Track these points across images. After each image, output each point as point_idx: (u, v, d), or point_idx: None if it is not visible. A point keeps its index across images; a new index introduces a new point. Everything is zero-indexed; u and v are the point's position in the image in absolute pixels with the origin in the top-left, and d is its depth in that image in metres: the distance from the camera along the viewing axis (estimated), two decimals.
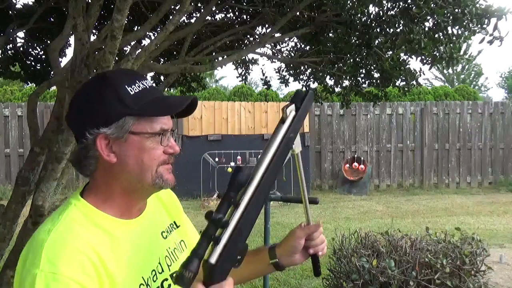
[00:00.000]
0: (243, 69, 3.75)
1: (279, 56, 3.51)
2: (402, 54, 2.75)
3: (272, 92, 11.56)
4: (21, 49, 3.27)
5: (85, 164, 0.90)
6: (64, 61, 3.38)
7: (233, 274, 0.80)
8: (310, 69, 3.44)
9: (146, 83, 0.91)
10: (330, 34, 2.98)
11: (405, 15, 2.37)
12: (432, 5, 2.19)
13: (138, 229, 0.94)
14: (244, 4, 3.13)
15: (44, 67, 3.35)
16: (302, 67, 3.48)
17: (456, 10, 2.20)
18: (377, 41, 2.74)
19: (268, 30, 3.13)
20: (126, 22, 1.67)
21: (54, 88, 5.77)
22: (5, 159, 8.89)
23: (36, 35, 3.27)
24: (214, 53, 3.14)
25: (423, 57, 2.49)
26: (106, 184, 0.91)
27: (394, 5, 2.53)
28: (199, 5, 3.14)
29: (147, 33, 3.12)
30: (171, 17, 2.14)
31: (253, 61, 3.73)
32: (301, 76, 3.56)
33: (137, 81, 0.90)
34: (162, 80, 3.64)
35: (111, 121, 0.87)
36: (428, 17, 2.31)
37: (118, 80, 0.89)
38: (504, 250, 4.61)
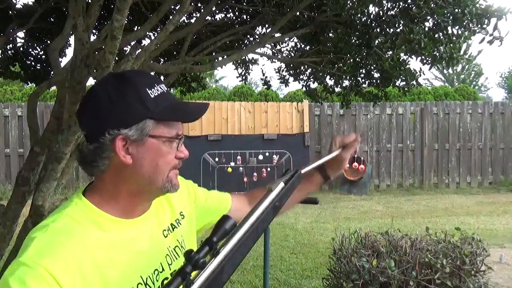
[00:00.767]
0: (243, 69, 3.75)
1: (279, 56, 3.51)
2: (402, 54, 2.74)
3: (272, 92, 11.57)
4: (21, 49, 3.27)
5: (97, 163, 0.89)
6: (64, 61, 3.39)
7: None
8: (310, 69, 3.44)
9: (163, 87, 0.92)
10: (330, 34, 2.98)
11: (405, 15, 2.37)
12: (432, 5, 2.19)
13: (139, 228, 0.94)
14: (244, 4, 3.13)
15: (44, 67, 3.35)
16: (302, 67, 3.48)
17: (456, 10, 2.20)
18: (377, 41, 2.74)
19: (268, 30, 3.13)
20: (126, 22, 1.67)
21: (54, 88, 5.77)
22: (5, 159, 8.89)
23: (36, 35, 3.27)
24: (214, 53, 3.14)
25: (423, 57, 2.49)
26: (114, 185, 0.91)
27: (394, 5, 2.53)
28: (199, 5, 3.14)
29: (147, 33, 3.12)
30: (171, 17, 2.14)
31: (253, 61, 3.73)
32: (301, 76, 3.56)
33: (155, 85, 0.90)
34: (162, 80, 3.64)
35: (132, 122, 0.87)
36: (428, 17, 2.31)
37: (139, 82, 0.89)
38: (504, 250, 4.61)
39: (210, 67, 2.78)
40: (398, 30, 2.56)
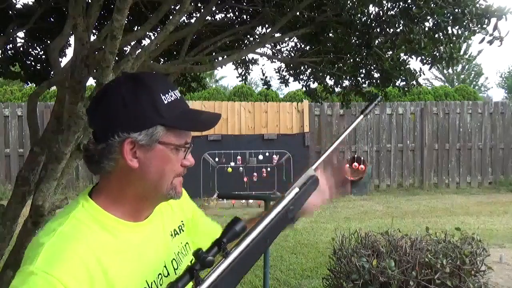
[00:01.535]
0: (243, 69, 3.75)
1: (279, 56, 3.51)
2: (402, 54, 2.74)
3: (272, 92, 11.56)
4: (21, 49, 3.26)
5: (103, 164, 0.88)
6: (64, 61, 3.38)
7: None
8: (310, 69, 3.44)
9: (176, 93, 0.91)
10: (330, 34, 2.97)
11: (405, 15, 2.37)
12: (432, 5, 2.19)
13: (145, 232, 0.94)
14: (244, 4, 3.13)
15: (44, 67, 3.35)
16: (302, 67, 3.48)
17: (456, 10, 2.20)
18: (377, 41, 2.74)
19: (268, 30, 3.13)
20: (126, 22, 1.67)
21: (54, 88, 5.76)
22: (5, 159, 8.89)
23: (36, 35, 3.27)
24: (214, 53, 3.14)
25: (423, 57, 2.49)
26: (120, 187, 0.90)
27: (394, 5, 2.53)
28: (199, 5, 3.14)
29: (147, 33, 3.12)
30: (171, 17, 2.14)
31: (253, 61, 3.73)
32: (301, 76, 3.56)
33: (170, 90, 0.90)
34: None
35: (143, 127, 0.86)
36: (428, 17, 2.31)
37: (154, 87, 0.88)
38: (504, 250, 4.61)
39: (210, 67, 2.78)
40: (398, 30, 2.56)
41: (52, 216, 0.95)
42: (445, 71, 23.13)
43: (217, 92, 12.32)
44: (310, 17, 2.89)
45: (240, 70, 3.76)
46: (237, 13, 3.34)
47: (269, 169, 8.41)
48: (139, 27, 2.85)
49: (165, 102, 0.88)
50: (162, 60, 3.63)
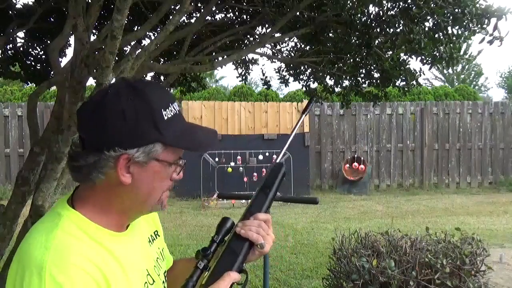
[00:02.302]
0: (243, 69, 3.75)
1: (279, 56, 3.51)
2: (402, 54, 2.74)
3: (272, 92, 11.56)
4: (21, 49, 3.26)
5: (92, 176, 0.84)
6: (64, 61, 3.38)
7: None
8: (310, 69, 3.43)
9: (175, 106, 0.88)
10: (330, 34, 2.97)
11: (405, 15, 2.37)
12: (432, 5, 2.19)
13: (128, 242, 0.92)
14: (244, 4, 3.13)
15: (44, 67, 3.35)
16: (302, 67, 3.48)
17: (456, 10, 2.20)
18: (377, 41, 2.74)
19: (268, 30, 3.13)
20: (126, 22, 1.67)
21: (54, 88, 5.77)
22: (5, 159, 8.89)
23: (36, 35, 3.27)
24: (214, 53, 3.14)
25: (423, 57, 2.49)
26: (107, 199, 0.87)
27: (394, 5, 2.53)
28: (199, 5, 3.14)
29: (147, 33, 3.12)
30: (171, 17, 2.14)
31: (253, 61, 3.72)
32: (301, 76, 3.56)
33: (170, 104, 0.86)
34: (162, 80, 3.64)
35: (141, 144, 0.83)
36: (428, 17, 2.31)
37: (155, 101, 0.84)
38: (504, 250, 4.61)
39: (210, 67, 2.78)
40: (398, 30, 2.56)
41: (27, 232, 0.88)
42: (445, 71, 23.12)
43: (217, 92, 12.32)
44: (310, 17, 2.89)
45: (240, 70, 3.76)
46: (237, 13, 3.34)
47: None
48: (139, 27, 2.85)
49: (165, 118, 0.84)
50: (162, 60, 3.63)
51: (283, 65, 3.56)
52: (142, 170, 0.85)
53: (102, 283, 0.80)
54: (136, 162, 0.83)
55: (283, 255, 4.69)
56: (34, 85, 3.58)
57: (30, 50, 3.32)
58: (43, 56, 3.34)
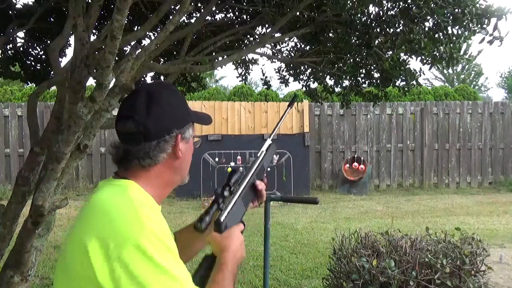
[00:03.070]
0: (243, 69, 3.75)
1: (279, 56, 3.51)
2: (402, 54, 2.74)
3: (272, 92, 11.56)
4: (21, 49, 3.26)
5: (156, 157, 1.07)
6: (64, 61, 3.38)
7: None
8: (310, 69, 3.44)
9: None
10: (330, 34, 2.98)
11: (405, 15, 2.37)
12: (432, 5, 2.19)
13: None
14: (244, 4, 3.13)
15: (44, 67, 3.35)
16: (302, 67, 3.48)
17: (456, 10, 2.20)
18: (377, 41, 2.74)
19: (268, 30, 3.13)
20: (126, 22, 1.67)
21: (54, 88, 5.77)
22: (5, 159, 8.89)
23: (36, 35, 3.27)
24: (214, 53, 3.14)
25: (423, 57, 2.49)
26: (158, 176, 1.09)
27: (394, 5, 2.53)
28: (199, 5, 3.14)
29: (147, 33, 3.12)
30: (171, 17, 2.14)
31: (253, 61, 3.73)
32: (301, 76, 3.56)
33: None
34: (162, 80, 3.64)
35: (184, 124, 1.11)
36: (428, 17, 2.31)
37: (181, 93, 1.11)
38: (504, 250, 4.61)
39: (210, 67, 2.78)
40: (398, 30, 2.56)
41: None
42: (445, 71, 23.13)
43: (217, 92, 12.32)
44: (310, 17, 2.89)
45: (240, 70, 3.76)
46: (237, 13, 3.34)
47: (269, 169, 8.40)
48: (139, 27, 2.85)
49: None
50: (162, 60, 3.63)
51: (283, 65, 3.56)
52: (185, 145, 1.12)
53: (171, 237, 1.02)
54: (183, 139, 1.11)
55: (283, 255, 4.69)
56: (34, 85, 3.58)
57: (30, 50, 3.32)
58: (43, 56, 3.34)
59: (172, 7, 2.81)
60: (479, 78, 24.29)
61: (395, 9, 2.52)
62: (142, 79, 3.68)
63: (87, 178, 8.99)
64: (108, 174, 8.25)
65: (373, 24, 2.66)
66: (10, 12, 3.02)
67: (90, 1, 2.15)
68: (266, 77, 3.72)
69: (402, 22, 2.47)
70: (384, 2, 2.50)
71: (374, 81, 3.10)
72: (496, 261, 4.09)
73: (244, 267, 4.24)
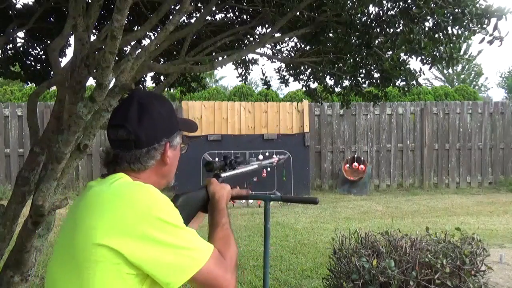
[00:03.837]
0: (243, 69, 3.75)
1: (279, 56, 3.51)
2: (402, 54, 2.74)
3: (272, 92, 11.56)
4: (21, 49, 3.26)
5: (146, 162, 1.15)
6: (64, 61, 3.38)
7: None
8: (310, 69, 3.44)
9: None
10: (330, 34, 2.97)
11: (405, 15, 2.37)
12: (432, 5, 2.19)
13: None
14: (244, 4, 3.13)
15: (44, 67, 3.35)
16: (302, 67, 3.48)
17: (456, 10, 2.20)
18: (377, 41, 2.74)
19: (268, 30, 3.13)
20: (126, 22, 1.67)
21: (54, 88, 5.77)
22: (5, 159, 8.89)
23: (36, 35, 3.27)
24: (214, 53, 3.14)
25: (423, 57, 2.49)
26: (147, 180, 1.16)
27: (394, 5, 2.53)
28: (199, 5, 3.14)
29: (147, 33, 3.12)
30: (171, 17, 2.14)
31: (253, 61, 3.72)
32: (301, 76, 3.56)
33: None
34: (162, 80, 3.64)
35: (173, 133, 1.21)
36: (428, 17, 2.31)
37: (169, 101, 1.25)
38: (504, 250, 4.61)
39: (210, 67, 2.78)
40: (398, 30, 2.56)
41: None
42: (445, 71, 23.12)
43: (217, 92, 12.32)
44: (310, 17, 2.89)
45: (240, 70, 3.76)
46: (237, 13, 3.34)
47: (269, 169, 8.40)
48: (139, 27, 2.85)
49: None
50: (162, 60, 3.63)
51: (283, 65, 3.56)
52: (173, 152, 1.21)
53: None
54: (171, 146, 1.20)
55: (283, 255, 4.69)
56: (34, 85, 3.58)
57: (30, 50, 3.32)
58: (43, 56, 3.34)
59: (172, 7, 2.81)
60: (479, 78, 24.28)
61: (395, 9, 2.52)
62: (142, 79, 3.68)
63: (87, 178, 8.99)
64: None
65: (373, 24, 2.66)
66: (10, 12, 3.02)
67: (90, 1, 2.15)
68: (266, 77, 3.72)
69: (402, 22, 2.47)
70: (384, 2, 2.51)
71: (374, 81, 3.10)
72: (496, 261, 4.09)
73: (244, 267, 4.24)
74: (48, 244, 4.62)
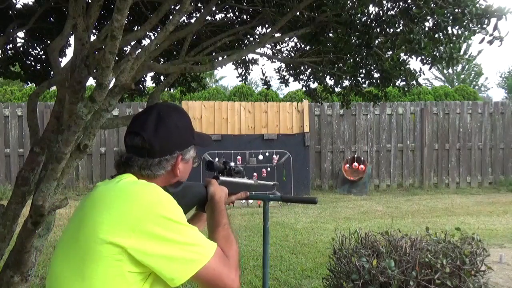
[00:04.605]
0: (243, 69, 3.75)
1: (279, 56, 3.51)
2: (402, 54, 2.74)
3: (272, 92, 11.56)
4: (21, 49, 3.26)
5: (156, 171, 1.19)
6: (64, 61, 3.38)
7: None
8: (310, 69, 3.43)
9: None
10: (330, 34, 2.97)
11: (405, 15, 2.37)
12: (432, 5, 2.19)
13: None
14: (244, 4, 3.13)
15: (44, 67, 3.35)
16: (302, 67, 3.48)
17: (456, 10, 2.20)
18: (377, 41, 2.73)
19: (268, 30, 3.13)
20: (126, 22, 1.67)
21: (54, 88, 5.77)
22: (5, 159, 8.89)
23: (36, 35, 3.27)
24: (214, 53, 3.14)
25: (423, 57, 2.49)
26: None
27: (394, 5, 2.52)
28: (199, 5, 3.14)
29: (147, 33, 3.12)
30: (171, 17, 2.13)
31: (253, 61, 3.72)
32: (301, 76, 3.56)
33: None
34: (162, 80, 3.64)
35: (187, 146, 1.25)
36: (428, 17, 2.31)
37: (187, 115, 1.29)
38: (504, 250, 4.61)
39: (210, 67, 2.78)
40: (398, 30, 2.56)
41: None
42: (445, 71, 23.12)
43: (217, 92, 12.32)
44: (310, 17, 2.89)
45: (240, 70, 3.76)
46: (237, 13, 3.34)
47: (269, 169, 8.41)
48: (139, 27, 2.85)
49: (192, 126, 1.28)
50: (162, 60, 3.63)
51: (283, 65, 3.56)
52: (184, 166, 1.25)
53: None
54: (183, 159, 1.24)
55: (283, 255, 4.69)
56: (34, 85, 3.58)
57: (30, 50, 3.32)
58: (43, 56, 3.34)
59: (172, 7, 2.81)
60: (479, 78, 24.27)
61: (395, 9, 2.52)
62: (142, 79, 3.68)
63: (87, 178, 8.99)
64: (108, 174, 8.24)
65: (373, 24, 2.65)
66: (10, 12, 3.02)
67: (90, 1, 2.15)
68: (266, 77, 3.72)
69: (402, 22, 2.46)
70: (384, 2, 2.50)
71: (374, 81, 3.10)
72: (496, 261, 4.09)
73: (244, 267, 4.24)
74: (48, 244, 4.62)
